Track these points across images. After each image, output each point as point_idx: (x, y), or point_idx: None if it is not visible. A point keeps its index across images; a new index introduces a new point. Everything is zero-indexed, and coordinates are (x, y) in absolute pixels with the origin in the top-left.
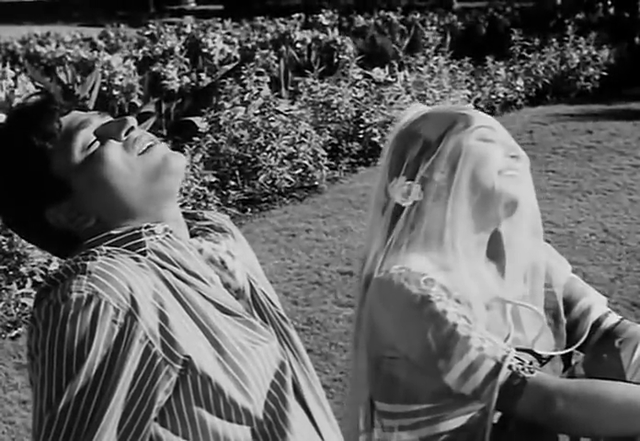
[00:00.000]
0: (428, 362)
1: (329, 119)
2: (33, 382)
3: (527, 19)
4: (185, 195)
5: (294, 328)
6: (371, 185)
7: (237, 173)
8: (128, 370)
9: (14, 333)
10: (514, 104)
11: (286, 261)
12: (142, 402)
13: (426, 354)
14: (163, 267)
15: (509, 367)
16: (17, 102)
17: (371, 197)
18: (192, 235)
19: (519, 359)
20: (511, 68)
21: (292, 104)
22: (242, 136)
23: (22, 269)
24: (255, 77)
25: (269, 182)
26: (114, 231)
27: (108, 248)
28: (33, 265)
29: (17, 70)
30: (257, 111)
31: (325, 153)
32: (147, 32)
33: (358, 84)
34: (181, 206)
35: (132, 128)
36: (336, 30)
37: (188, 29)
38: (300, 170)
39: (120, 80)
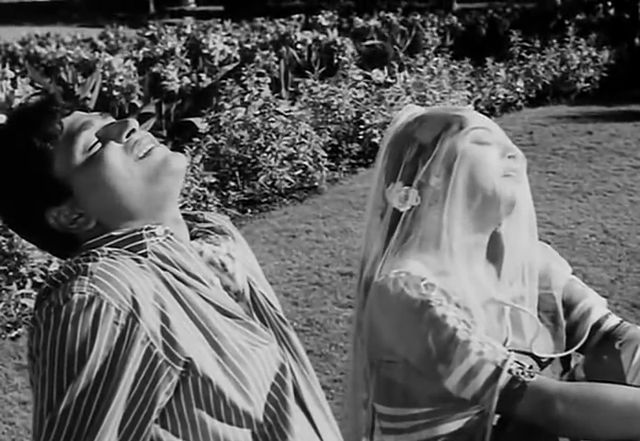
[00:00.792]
0: (427, 366)
1: (329, 120)
2: (34, 383)
3: (527, 20)
4: (185, 196)
5: (294, 329)
6: (371, 186)
7: (237, 174)
8: (129, 372)
9: (14, 333)
10: (514, 105)
11: (286, 262)
12: (144, 404)
13: (426, 358)
14: (164, 269)
15: (509, 371)
16: (19, 103)
17: (369, 201)
18: (193, 237)
19: (518, 363)
20: (511, 69)
21: (293, 105)
22: (242, 137)
23: (22, 270)
24: (255, 78)
25: (269, 183)
26: (115, 233)
27: (110, 249)
28: (33, 266)
29: (17, 71)
30: (258, 112)
31: (325, 154)
32: (147, 33)
33: (358, 85)
34: (181, 207)
35: (134, 130)
36: (335, 31)
37: (189, 30)
38: (300, 171)
39: (121, 81)
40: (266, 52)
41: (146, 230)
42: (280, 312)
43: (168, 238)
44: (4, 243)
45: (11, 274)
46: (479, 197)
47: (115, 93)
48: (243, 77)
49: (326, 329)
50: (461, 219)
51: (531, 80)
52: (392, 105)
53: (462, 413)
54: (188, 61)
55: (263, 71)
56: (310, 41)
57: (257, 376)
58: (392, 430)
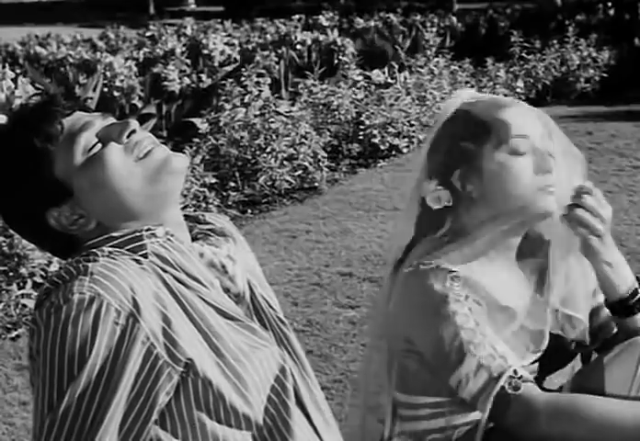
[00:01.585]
0: (435, 360)
1: (329, 121)
2: (34, 384)
3: (527, 21)
4: (185, 196)
5: (294, 330)
6: (372, 186)
7: (237, 174)
8: (129, 372)
9: (14, 333)
10: None
11: (286, 262)
12: (144, 404)
13: (433, 352)
14: (164, 271)
15: (499, 379)
16: (19, 103)
17: (408, 188)
18: (193, 239)
19: (514, 372)
20: (511, 69)
21: (293, 105)
22: (242, 137)
23: (22, 270)
24: (255, 78)
25: (269, 183)
26: (115, 234)
27: (110, 249)
28: (33, 267)
29: (18, 71)
30: (258, 112)
31: (326, 155)
32: (148, 34)
33: (358, 85)
34: (182, 208)
35: (134, 131)
36: (335, 32)
37: (189, 31)
38: (300, 171)
39: (121, 81)
40: (266, 53)
41: (146, 231)
42: (280, 314)
43: (169, 239)
44: (4, 244)
45: (11, 274)
46: (511, 208)
47: (116, 93)
48: (243, 78)
49: (326, 329)
50: (491, 225)
51: (531, 80)
52: (392, 105)
53: (467, 413)
54: (189, 61)
55: (263, 71)
56: (310, 42)
57: (257, 378)
58: (410, 417)
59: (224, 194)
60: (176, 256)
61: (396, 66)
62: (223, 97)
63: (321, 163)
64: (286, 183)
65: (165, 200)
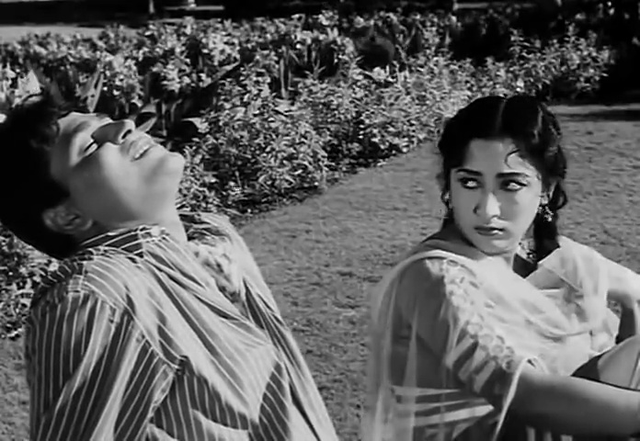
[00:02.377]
0: (432, 341)
1: (329, 120)
2: (31, 382)
3: (527, 20)
4: (185, 196)
5: (294, 329)
6: (371, 186)
7: (237, 174)
8: (124, 369)
9: (14, 333)
10: None
11: (286, 262)
12: (139, 402)
13: (432, 333)
14: (159, 269)
15: (496, 359)
16: (16, 103)
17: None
18: (189, 238)
19: (512, 351)
20: (511, 69)
21: (292, 104)
22: (242, 137)
23: (22, 270)
24: (255, 78)
25: (269, 183)
26: (110, 233)
27: (106, 248)
28: (33, 266)
29: (18, 71)
30: (257, 112)
31: (325, 154)
32: (147, 33)
33: (358, 84)
34: (181, 207)
35: (130, 131)
36: (335, 31)
37: (189, 30)
38: (300, 171)
39: (121, 80)
40: (266, 52)
41: (142, 230)
42: (276, 314)
43: (164, 238)
44: (3, 243)
45: (11, 274)
46: (463, 229)
47: (115, 92)
48: (242, 77)
49: (326, 329)
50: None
51: (531, 80)
52: (391, 104)
53: (475, 401)
54: (188, 60)
55: (263, 71)
56: (310, 41)
57: (252, 377)
58: (408, 413)
59: (224, 193)
60: (171, 255)
61: (397, 65)
62: (223, 97)
63: (321, 163)
64: (286, 182)
65: (162, 200)
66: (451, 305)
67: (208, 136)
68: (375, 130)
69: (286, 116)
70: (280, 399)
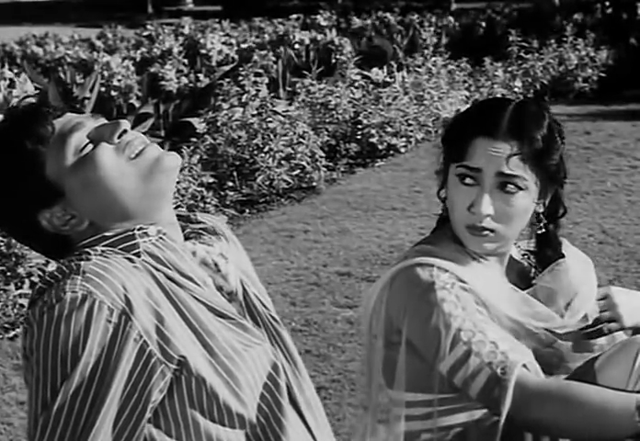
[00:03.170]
0: (424, 348)
1: (327, 120)
2: (28, 383)
3: (525, 20)
4: (183, 196)
5: (292, 329)
6: (369, 186)
7: (235, 174)
8: (122, 369)
9: (12, 333)
10: None
11: (284, 262)
12: (137, 402)
13: (424, 340)
14: (157, 269)
15: (490, 365)
16: (12, 104)
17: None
18: (186, 238)
19: (506, 356)
20: (509, 69)
21: (290, 105)
22: (240, 137)
23: (20, 270)
24: (253, 78)
25: (267, 183)
26: (107, 233)
27: (103, 248)
28: (31, 266)
29: (16, 71)
30: (255, 112)
31: (323, 154)
32: (145, 33)
33: (356, 84)
34: (178, 207)
35: (125, 131)
36: (334, 31)
37: (186, 30)
38: (298, 171)
39: (119, 81)
40: (264, 52)
41: (139, 230)
42: (272, 313)
43: (161, 238)
44: (1, 244)
45: (9, 274)
46: (454, 227)
47: (113, 93)
48: (240, 77)
49: (324, 329)
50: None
51: (529, 80)
52: (389, 105)
53: (473, 405)
54: (186, 61)
55: (261, 71)
56: (308, 41)
57: (250, 376)
58: (399, 417)
59: (222, 193)
60: (168, 255)
61: (395, 66)
62: (221, 97)
63: (319, 163)
64: (284, 182)
65: (158, 199)
66: (442, 312)
67: (206, 136)
68: (373, 131)
69: (284, 116)
70: (278, 398)
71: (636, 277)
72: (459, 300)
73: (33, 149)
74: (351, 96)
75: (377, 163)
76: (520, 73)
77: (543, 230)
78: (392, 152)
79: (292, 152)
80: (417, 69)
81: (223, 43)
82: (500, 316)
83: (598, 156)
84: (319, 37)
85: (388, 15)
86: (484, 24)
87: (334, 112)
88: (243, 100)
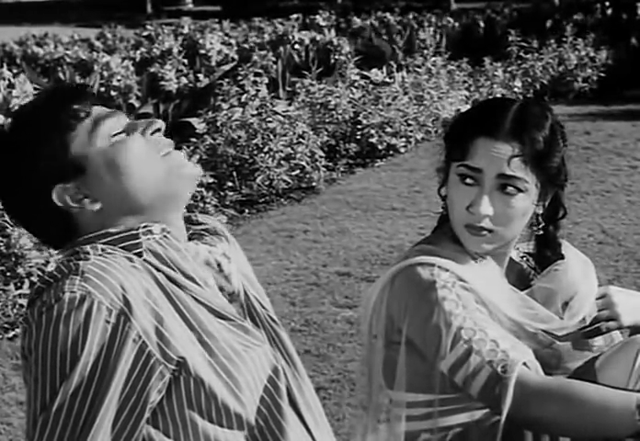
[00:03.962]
0: (425, 346)
1: (327, 120)
2: (27, 382)
3: (525, 20)
4: None
5: (291, 329)
6: (369, 186)
7: (235, 174)
8: (121, 370)
9: (11, 333)
10: None
11: (284, 262)
12: (136, 402)
13: (425, 338)
14: (157, 270)
15: (491, 363)
16: (17, 102)
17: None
18: (189, 239)
19: (507, 354)
20: (509, 69)
21: (290, 105)
22: (239, 137)
23: (19, 270)
24: (252, 78)
25: (267, 183)
26: (111, 230)
27: (103, 247)
28: (31, 266)
29: (15, 71)
30: (255, 112)
31: (323, 154)
32: (145, 33)
33: (355, 84)
34: None
35: (159, 129)
36: (333, 31)
37: (186, 30)
38: (297, 171)
39: (119, 81)
40: (263, 52)
41: (143, 228)
42: (271, 313)
43: (165, 236)
44: (1, 244)
45: (8, 274)
46: (454, 228)
47: (113, 93)
48: (240, 77)
49: (324, 329)
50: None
51: (529, 80)
52: (389, 105)
53: (473, 405)
54: (186, 61)
55: (260, 71)
56: (307, 41)
57: (250, 377)
58: (400, 417)
59: (222, 194)
60: (171, 254)
61: (394, 66)
62: (221, 97)
63: (318, 163)
64: (283, 183)
65: (172, 202)
66: (442, 310)
67: (205, 136)
68: (373, 131)
69: (284, 116)
70: (277, 400)
71: (636, 278)
72: (460, 299)
73: (66, 122)
74: (351, 96)
75: (377, 164)
76: (519, 73)
77: (542, 231)
78: (391, 152)
79: (292, 152)
80: (417, 69)
81: (223, 43)
82: (500, 316)
83: (597, 156)
84: (318, 37)
85: (387, 15)
86: (483, 24)
87: (333, 112)
88: (242, 100)
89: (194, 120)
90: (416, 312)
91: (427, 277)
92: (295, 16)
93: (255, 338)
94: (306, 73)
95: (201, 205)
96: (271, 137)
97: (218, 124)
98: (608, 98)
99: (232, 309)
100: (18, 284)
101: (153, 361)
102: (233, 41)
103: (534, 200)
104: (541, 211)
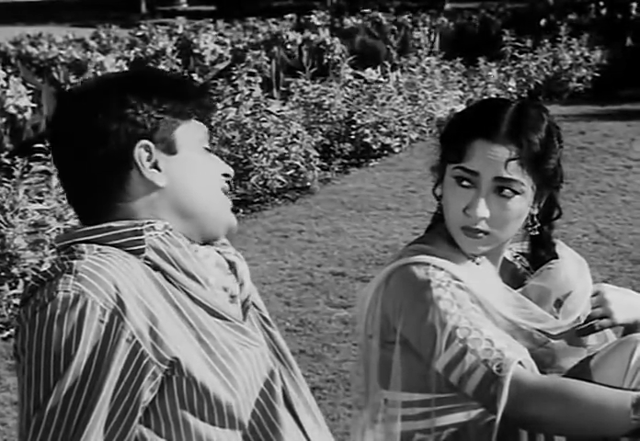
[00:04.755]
0: (420, 345)
1: (321, 120)
2: (20, 382)
3: (519, 20)
4: None
5: (286, 329)
6: (364, 186)
7: None
8: (114, 370)
9: (6, 334)
10: None
11: (278, 262)
12: (129, 402)
13: (420, 338)
14: (156, 268)
15: (486, 362)
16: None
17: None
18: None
19: (502, 353)
20: (503, 69)
21: (284, 105)
22: (233, 137)
23: (14, 270)
24: (246, 78)
25: (261, 183)
26: (114, 224)
27: (99, 246)
28: (25, 266)
29: (10, 71)
30: (249, 112)
31: (317, 154)
32: (139, 33)
33: (350, 84)
34: None
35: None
36: (326, 31)
37: (180, 30)
38: (292, 171)
39: None
40: (257, 52)
41: (147, 224)
42: (264, 313)
43: (167, 233)
44: None
45: (3, 274)
46: (449, 227)
47: None
48: (234, 77)
49: (319, 329)
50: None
51: (524, 80)
52: (383, 104)
53: (469, 404)
54: (180, 60)
55: (254, 71)
56: (301, 41)
57: (245, 375)
58: (398, 417)
59: None
60: (172, 250)
61: (389, 65)
62: (215, 97)
63: (313, 163)
64: (278, 182)
65: (202, 234)
66: (438, 310)
67: None
68: (367, 130)
69: (278, 116)
70: (272, 403)
71: (631, 277)
72: (454, 298)
73: (189, 109)
74: (345, 95)
75: (371, 163)
76: (514, 73)
77: (537, 232)
78: (386, 151)
79: (286, 151)
80: (411, 69)
81: (217, 43)
82: (495, 315)
83: (592, 156)
84: (312, 37)
85: (380, 15)
86: (478, 24)
87: (328, 112)
88: (236, 100)
89: None
90: (411, 312)
91: (422, 276)
92: (289, 15)
93: (252, 339)
94: (300, 72)
95: None
96: (265, 137)
97: (212, 124)
98: (602, 98)
99: (230, 309)
100: (13, 284)
101: (146, 361)
102: (227, 41)
103: (530, 202)
104: (536, 212)
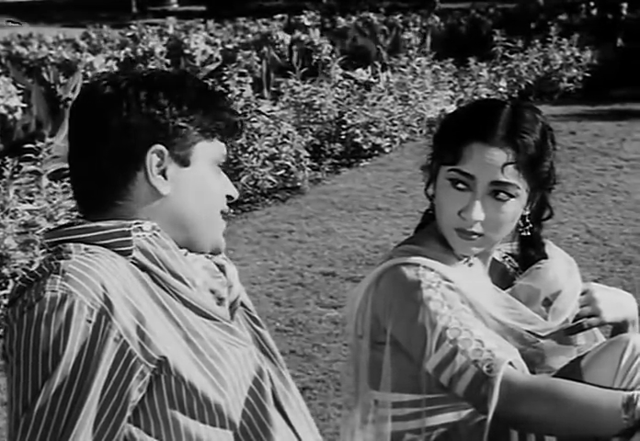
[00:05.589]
0: (410, 346)
1: (311, 120)
2: (8, 382)
3: (510, 20)
4: None
5: (276, 329)
6: (354, 186)
7: None
8: (103, 369)
9: None
10: None
11: (268, 262)
12: (118, 401)
13: (410, 338)
14: (143, 269)
15: (476, 363)
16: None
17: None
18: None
19: (492, 354)
20: (494, 69)
21: (274, 105)
22: None
23: (4, 271)
24: (237, 78)
25: (252, 183)
26: (102, 224)
27: (86, 246)
28: (15, 267)
29: (0, 71)
30: (239, 112)
31: (308, 154)
32: (129, 33)
33: (340, 84)
34: None
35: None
36: (317, 31)
37: (171, 30)
38: (282, 171)
39: None
40: (248, 52)
41: (135, 224)
42: (253, 313)
43: (155, 234)
44: None
45: None
46: (442, 229)
47: None
48: (224, 77)
49: (309, 329)
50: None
51: (514, 80)
52: (374, 105)
53: (459, 404)
54: (170, 61)
55: (245, 71)
56: (291, 41)
57: (233, 374)
58: (388, 417)
59: None
60: (160, 252)
61: (379, 66)
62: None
63: (303, 163)
64: (268, 183)
65: (190, 247)
66: (428, 310)
67: None
68: (358, 131)
69: (268, 116)
70: (262, 402)
71: (621, 277)
72: (445, 299)
73: (215, 125)
74: (336, 96)
75: (362, 164)
76: (504, 73)
77: (529, 233)
78: (376, 152)
79: (277, 152)
80: (402, 69)
81: (207, 43)
82: (485, 316)
83: (583, 156)
84: (303, 37)
85: (371, 15)
86: (468, 24)
87: (318, 112)
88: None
89: None
90: (401, 312)
91: (412, 276)
92: (280, 16)
93: (240, 338)
94: (291, 73)
95: None
96: (256, 137)
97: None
98: (593, 98)
99: (217, 309)
100: (3, 284)
101: (134, 360)
102: (217, 41)
103: (524, 204)
104: (527, 213)
